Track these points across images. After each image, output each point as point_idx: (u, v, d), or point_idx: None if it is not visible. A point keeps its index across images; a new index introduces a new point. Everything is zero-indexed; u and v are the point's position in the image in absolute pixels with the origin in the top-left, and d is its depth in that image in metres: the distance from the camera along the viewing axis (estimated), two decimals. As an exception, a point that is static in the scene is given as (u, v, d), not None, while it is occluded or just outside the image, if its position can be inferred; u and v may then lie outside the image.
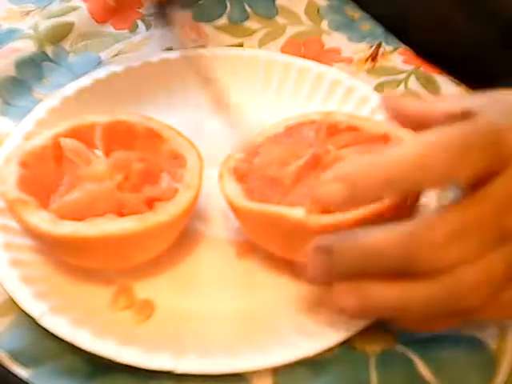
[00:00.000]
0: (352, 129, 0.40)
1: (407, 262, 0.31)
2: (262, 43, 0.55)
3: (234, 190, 0.38)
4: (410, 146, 0.31)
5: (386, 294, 0.32)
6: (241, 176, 0.39)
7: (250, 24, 0.57)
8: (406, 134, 0.37)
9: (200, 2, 0.58)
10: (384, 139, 0.38)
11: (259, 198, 0.37)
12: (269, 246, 0.38)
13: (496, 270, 0.31)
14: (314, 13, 0.58)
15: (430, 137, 0.31)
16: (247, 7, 0.58)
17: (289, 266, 0.38)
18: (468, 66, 0.50)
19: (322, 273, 0.33)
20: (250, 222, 0.38)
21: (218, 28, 0.56)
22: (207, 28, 0.56)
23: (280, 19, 0.57)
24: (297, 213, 0.35)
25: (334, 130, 0.40)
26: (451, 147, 0.30)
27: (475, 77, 0.49)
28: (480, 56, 0.50)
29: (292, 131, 0.41)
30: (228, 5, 0.58)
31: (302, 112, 0.42)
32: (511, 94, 0.36)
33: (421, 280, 0.31)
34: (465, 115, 0.34)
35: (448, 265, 0.30)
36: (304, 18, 0.57)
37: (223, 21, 0.57)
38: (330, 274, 0.33)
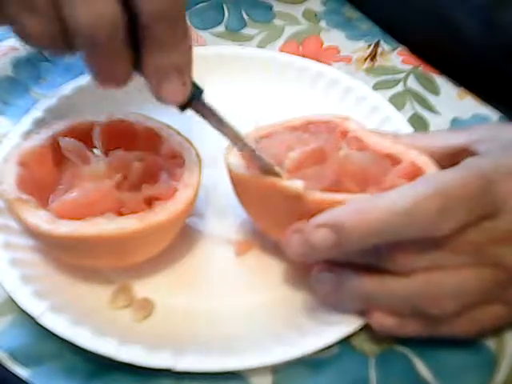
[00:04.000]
0: (358, 141, 0.40)
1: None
2: (260, 46, 0.55)
3: (237, 162, 0.37)
4: (399, 197, 0.32)
5: (360, 283, 0.34)
6: (245, 154, 0.38)
7: (249, 31, 0.57)
8: (411, 156, 0.38)
9: (198, 7, 0.58)
10: (389, 158, 0.38)
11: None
12: (263, 221, 0.38)
13: (468, 286, 0.32)
14: (312, 16, 0.58)
15: (419, 189, 0.32)
16: (245, 15, 0.58)
17: (288, 265, 0.39)
18: (468, 69, 0.51)
19: (302, 252, 0.33)
20: (248, 193, 0.38)
21: (217, 35, 0.56)
22: (205, 35, 0.56)
23: (278, 21, 0.58)
24: (295, 184, 0.35)
25: (344, 135, 0.40)
26: (439, 203, 0.31)
27: (475, 79, 0.50)
28: (480, 59, 0.50)
29: (309, 126, 0.41)
30: (226, 13, 0.58)
31: (321, 113, 0.42)
32: (504, 129, 0.37)
33: (396, 275, 0.33)
34: (462, 151, 0.36)
35: (425, 266, 0.32)
36: (302, 19, 0.58)
37: (221, 28, 0.57)
38: (335, 252, 0.33)
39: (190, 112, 0.35)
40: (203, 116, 0.35)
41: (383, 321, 0.34)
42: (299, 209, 0.34)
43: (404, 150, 0.38)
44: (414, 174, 0.36)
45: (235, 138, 0.36)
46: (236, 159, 0.37)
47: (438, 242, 0.32)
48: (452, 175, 0.33)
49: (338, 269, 0.35)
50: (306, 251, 0.33)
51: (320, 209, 0.33)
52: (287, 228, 0.34)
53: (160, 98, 0.33)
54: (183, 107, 0.34)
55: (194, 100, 0.34)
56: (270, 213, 0.37)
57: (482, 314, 0.33)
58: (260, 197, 0.37)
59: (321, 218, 0.32)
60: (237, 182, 0.38)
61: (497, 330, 0.36)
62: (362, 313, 0.35)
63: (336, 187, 0.36)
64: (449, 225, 0.31)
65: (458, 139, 0.38)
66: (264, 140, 0.39)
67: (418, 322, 0.34)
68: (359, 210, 0.32)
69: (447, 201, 0.31)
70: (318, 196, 0.34)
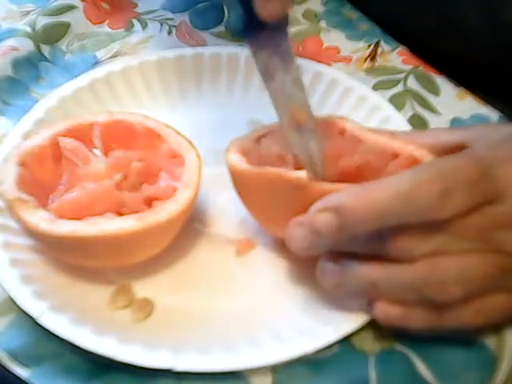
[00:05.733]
0: (356, 138, 0.40)
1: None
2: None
3: (237, 159, 0.37)
4: (400, 180, 0.32)
5: (365, 272, 0.33)
6: (245, 152, 0.38)
7: (248, 31, 0.57)
8: (409, 150, 0.38)
9: (198, 7, 0.58)
10: (388, 153, 0.38)
11: None
12: (264, 217, 0.38)
13: (473, 271, 0.32)
14: (312, 16, 0.58)
15: (420, 173, 0.32)
16: (245, 15, 0.58)
17: (289, 264, 0.39)
18: (468, 69, 0.51)
19: (306, 243, 0.34)
20: (249, 188, 0.37)
21: (217, 35, 0.56)
22: (205, 35, 0.56)
23: (277, 22, 0.57)
24: (298, 173, 0.34)
25: (342, 134, 0.40)
26: (440, 185, 0.31)
27: (475, 79, 0.50)
28: (481, 59, 0.50)
29: None
30: (226, 13, 0.58)
31: (321, 113, 0.42)
32: (499, 127, 0.37)
33: (400, 263, 0.33)
34: (459, 147, 0.36)
35: (429, 251, 0.32)
36: (302, 19, 0.58)
37: (221, 29, 0.57)
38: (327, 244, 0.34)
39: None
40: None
41: (388, 311, 0.34)
42: (302, 200, 0.34)
43: (402, 145, 0.38)
44: (414, 165, 0.36)
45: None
46: (236, 155, 0.37)
47: (441, 226, 0.32)
48: (453, 160, 0.33)
49: (342, 259, 0.34)
50: (310, 241, 0.33)
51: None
52: (289, 222, 0.34)
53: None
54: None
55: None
56: (272, 207, 0.37)
57: (488, 303, 0.33)
58: (262, 191, 0.36)
59: (322, 203, 0.33)
60: (237, 178, 0.37)
61: (500, 325, 0.36)
62: (366, 307, 0.35)
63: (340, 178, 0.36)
64: (449, 208, 0.31)
65: (454, 136, 0.38)
66: (263, 140, 0.39)
67: (424, 311, 0.33)
68: (361, 193, 0.32)
69: (447, 184, 0.31)
70: (321, 186, 0.34)
